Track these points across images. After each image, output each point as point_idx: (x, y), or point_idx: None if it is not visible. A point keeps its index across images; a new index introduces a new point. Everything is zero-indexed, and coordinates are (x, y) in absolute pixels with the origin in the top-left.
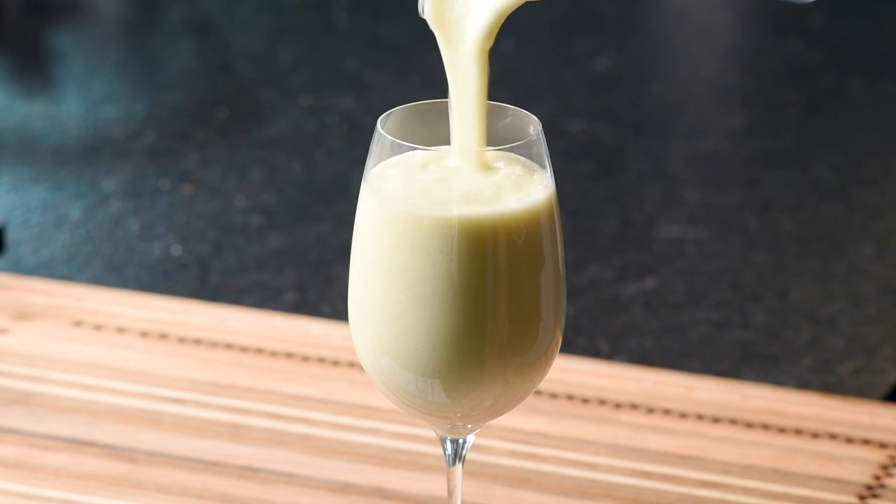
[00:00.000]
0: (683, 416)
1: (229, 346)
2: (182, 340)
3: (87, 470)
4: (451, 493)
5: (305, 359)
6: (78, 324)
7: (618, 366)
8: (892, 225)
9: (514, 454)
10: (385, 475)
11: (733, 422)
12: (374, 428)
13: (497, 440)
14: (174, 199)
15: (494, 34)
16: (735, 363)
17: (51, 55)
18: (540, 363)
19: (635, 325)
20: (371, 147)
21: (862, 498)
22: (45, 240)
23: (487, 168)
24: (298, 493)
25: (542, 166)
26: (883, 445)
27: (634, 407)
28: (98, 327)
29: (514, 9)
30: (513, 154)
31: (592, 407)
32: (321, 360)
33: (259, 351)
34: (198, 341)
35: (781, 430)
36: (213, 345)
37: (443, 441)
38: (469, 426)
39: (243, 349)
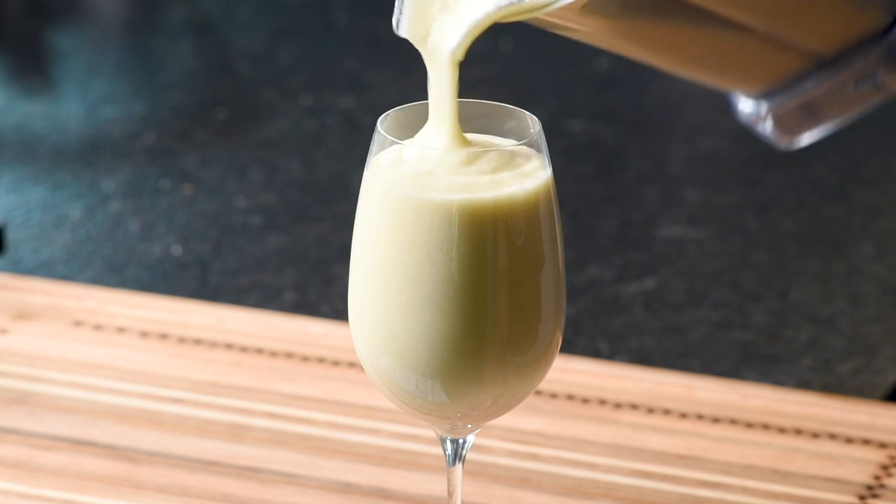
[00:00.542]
0: (683, 416)
1: (229, 346)
2: (182, 340)
3: (87, 470)
4: (451, 493)
5: (305, 359)
6: (78, 324)
7: (618, 366)
8: (892, 225)
9: (514, 454)
10: (385, 475)
11: (733, 422)
12: (374, 428)
13: (497, 440)
14: (174, 199)
15: (466, 49)
16: (735, 363)
17: (51, 55)
18: (540, 363)
19: (635, 325)
20: (371, 147)
21: (862, 498)
22: (45, 240)
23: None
24: (298, 493)
25: (542, 162)
26: (883, 445)
27: (634, 407)
28: (98, 327)
29: (483, 30)
30: (512, 147)
31: (592, 407)
32: (321, 360)
33: (259, 351)
34: (198, 341)
35: (781, 430)
36: (213, 345)
37: (443, 441)
38: (469, 426)
39: (243, 349)
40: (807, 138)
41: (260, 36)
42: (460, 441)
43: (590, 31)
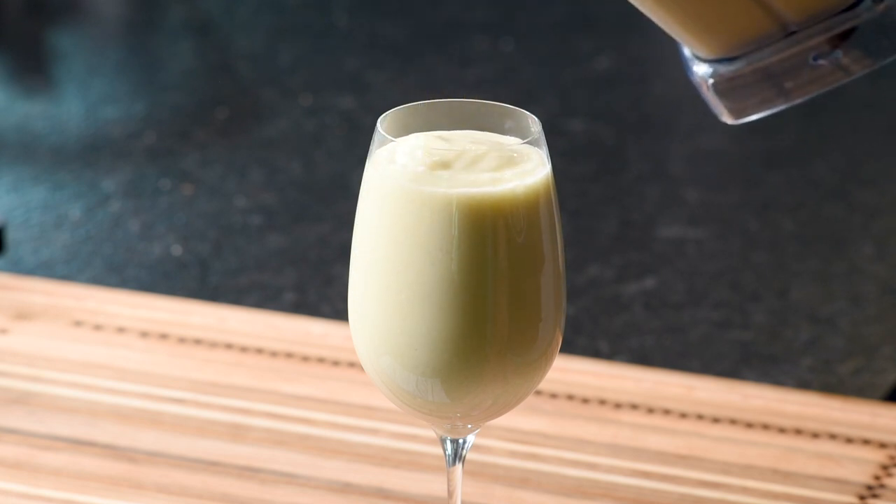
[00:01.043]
0: (683, 416)
1: (229, 346)
2: (182, 340)
3: (87, 470)
4: (451, 493)
5: (305, 359)
6: (78, 324)
7: (618, 366)
8: (892, 225)
9: (514, 454)
10: (385, 475)
11: (733, 422)
12: (374, 428)
13: (497, 440)
14: (174, 199)
15: None
16: (735, 363)
17: (51, 55)
18: (540, 363)
19: (635, 324)
20: (371, 147)
21: (862, 498)
22: (45, 240)
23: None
24: (298, 493)
25: (542, 160)
26: (883, 445)
27: (634, 407)
28: (98, 327)
29: None
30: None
31: (592, 407)
32: (321, 360)
33: (259, 351)
34: (198, 341)
35: (781, 430)
36: (213, 345)
37: (443, 441)
38: (469, 426)
39: (243, 349)
40: (752, 112)
41: (260, 36)
42: (460, 441)
43: None
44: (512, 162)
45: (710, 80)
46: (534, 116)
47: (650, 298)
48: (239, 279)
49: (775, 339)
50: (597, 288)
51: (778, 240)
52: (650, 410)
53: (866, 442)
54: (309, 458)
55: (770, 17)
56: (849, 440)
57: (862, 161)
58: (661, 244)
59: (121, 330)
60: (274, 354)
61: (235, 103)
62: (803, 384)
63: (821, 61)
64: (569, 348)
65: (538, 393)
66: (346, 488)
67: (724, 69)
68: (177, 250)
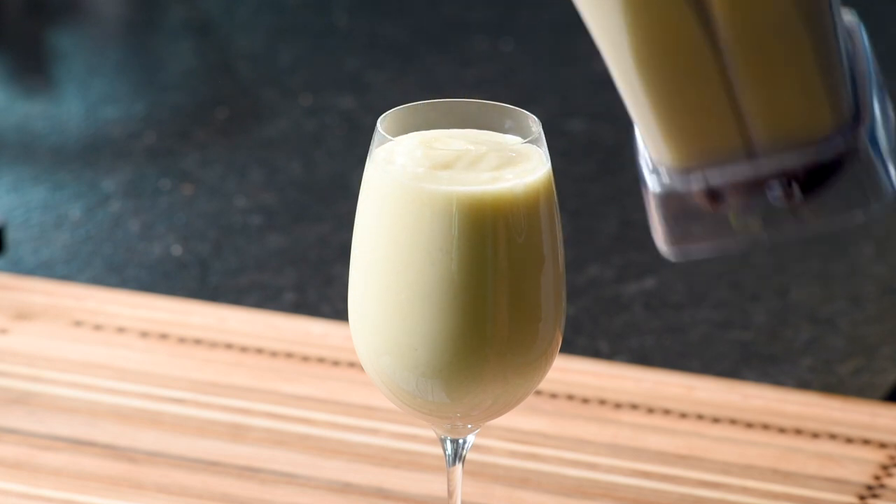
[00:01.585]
0: (683, 416)
1: (229, 346)
2: (182, 340)
3: (87, 470)
4: (451, 493)
5: (305, 359)
6: (78, 324)
7: (618, 366)
8: (892, 225)
9: (514, 454)
10: (385, 475)
11: (733, 422)
12: (374, 428)
13: (497, 440)
14: (174, 199)
15: None
16: (735, 363)
17: (51, 55)
18: (540, 363)
19: (635, 325)
20: (371, 147)
21: (862, 498)
22: (45, 240)
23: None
24: (298, 493)
25: (542, 160)
26: (883, 445)
27: (634, 407)
28: (98, 327)
29: None
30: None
31: (592, 407)
32: (321, 360)
33: (259, 351)
34: (198, 341)
35: (781, 430)
36: (213, 345)
37: (443, 441)
38: (469, 426)
39: (243, 349)
40: (692, 242)
41: (260, 36)
42: (460, 441)
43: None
44: (512, 162)
45: (659, 190)
46: (534, 116)
47: (650, 298)
48: (239, 279)
49: (775, 339)
50: (597, 288)
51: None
52: (650, 410)
53: (866, 442)
54: (309, 458)
55: (739, 133)
56: (849, 440)
57: None
58: None
59: (121, 330)
60: (274, 354)
61: (235, 103)
62: (803, 384)
63: (776, 194)
64: (569, 348)
65: (538, 393)
66: (346, 488)
67: (678, 180)
68: (177, 250)
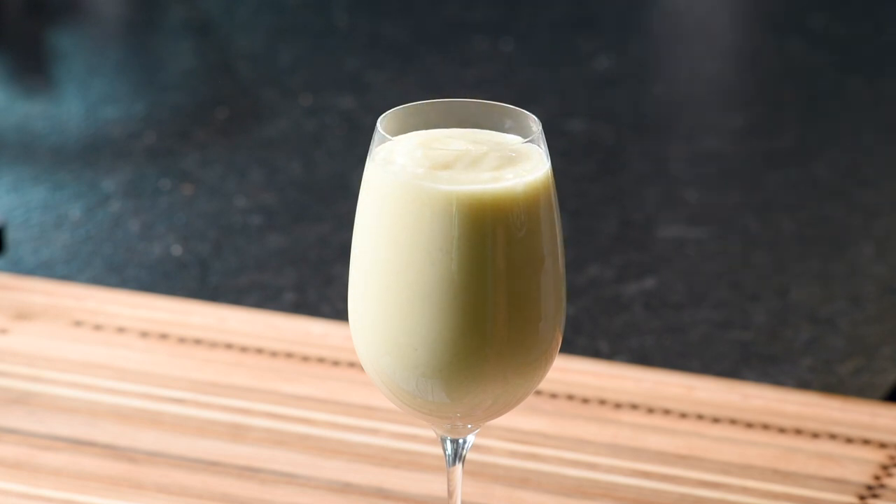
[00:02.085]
0: (683, 416)
1: (229, 346)
2: (182, 340)
3: (87, 470)
4: (451, 493)
5: (305, 359)
6: (78, 324)
7: (618, 366)
8: (892, 225)
9: (514, 454)
10: (385, 475)
11: (733, 422)
12: (374, 428)
13: (497, 440)
14: (174, 199)
15: None
16: (735, 363)
17: (51, 55)
18: (540, 363)
19: (635, 325)
20: (371, 146)
21: (862, 498)
22: (45, 240)
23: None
24: (298, 493)
25: (542, 159)
26: (883, 445)
27: (634, 407)
28: (98, 327)
29: None
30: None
31: (592, 407)
32: (321, 360)
33: (259, 351)
34: (198, 341)
35: (781, 430)
36: (213, 345)
37: (443, 441)
38: (469, 426)
39: (243, 349)
40: None
41: (260, 36)
42: (460, 441)
43: None
44: (512, 161)
45: None
46: (534, 116)
47: (650, 298)
48: (239, 279)
49: (775, 339)
50: (597, 288)
51: (778, 240)
52: (650, 410)
53: (866, 442)
54: (309, 458)
55: None
56: (849, 440)
57: (862, 161)
58: (661, 244)
59: (121, 330)
60: (274, 354)
61: (235, 103)
62: (803, 384)
63: None
64: (569, 348)
65: (538, 393)
66: (346, 488)
67: None
68: (177, 250)
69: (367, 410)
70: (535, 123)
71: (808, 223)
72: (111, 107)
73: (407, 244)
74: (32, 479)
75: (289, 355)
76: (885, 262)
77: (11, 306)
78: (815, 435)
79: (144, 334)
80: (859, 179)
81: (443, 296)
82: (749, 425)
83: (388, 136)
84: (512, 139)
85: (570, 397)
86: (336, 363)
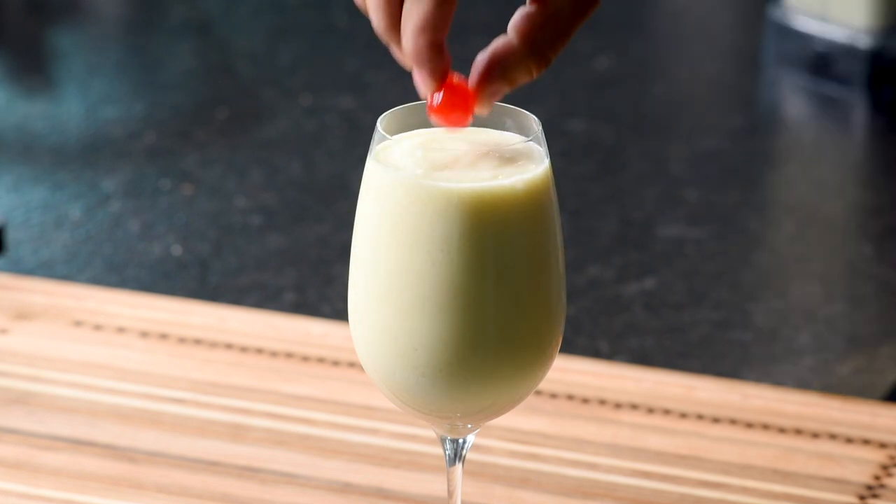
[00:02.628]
0: (683, 416)
1: (229, 346)
2: (182, 340)
3: (87, 470)
4: (451, 493)
5: (305, 359)
6: (78, 324)
7: (618, 366)
8: (891, 225)
9: (514, 454)
10: (385, 475)
11: (733, 422)
12: (374, 428)
13: (497, 440)
14: (174, 199)
15: None
16: (735, 363)
17: (51, 55)
18: (540, 363)
19: (635, 325)
20: (371, 146)
21: (862, 498)
22: (45, 240)
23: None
24: (298, 493)
25: (542, 159)
26: (883, 445)
27: (634, 407)
28: (98, 327)
29: None
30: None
31: (592, 407)
32: (321, 360)
33: (259, 351)
34: (198, 341)
35: (781, 430)
36: (213, 345)
37: (443, 441)
38: (469, 426)
39: (243, 349)
40: None
41: (260, 36)
42: (460, 441)
43: None
44: (512, 161)
45: None
46: (534, 116)
47: (650, 298)
48: (239, 279)
49: (775, 339)
50: (597, 288)
51: (778, 240)
52: (650, 410)
53: (866, 442)
54: (309, 458)
55: None
56: (849, 440)
57: (862, 161)
58: (661, 244)
59: (121, 330)
60: (274, 354)
61: (235, 103)
62: (803, 384)
63: None
64: (569, 348)
65: (538, 393)
66: (346, 488)
67: None
68: (177, 250)
69: (367, 410)
70: (535, 123)
71: (808, 223)
72: (111, 107)
73: (407, 244)
74: (32, 479)
75: (289, 355)
76: (885, 262)
77: (11, 306)
78: (815, 435)
79: (144, 334)
80: (859, 179)
81: (443, 296)
82: (749, 425)
83: (387, 135)
84: (512, 139)
85: (570, 397)
86: (336, 363)
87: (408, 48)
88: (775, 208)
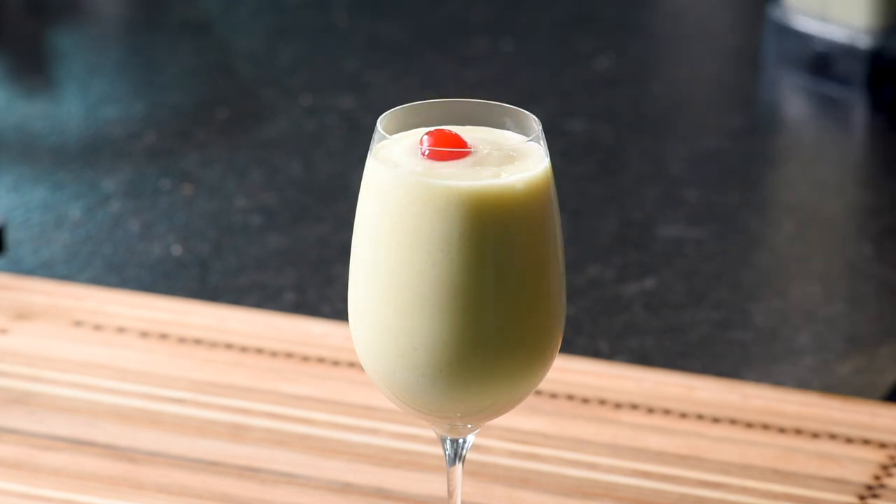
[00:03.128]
0: (683, 416)
1: (229, 346)
2: (182, 340)
3: (87, 470)
4: (451, 493)
5: (305, 359)
6: (78, 324)
7: (618, 366)
8: (892, 225)
9: (514, 454)
10: (385, 475)
11: (733, 422)
12: (374, 428)
13: (497, 440)
14: (174, 199)
15: None
16: (735, 363)
17: (51, 55)
18: (540, 363)
19: (635, 325)
20: (371, 146)
21: (862, 498)
22: (45, 240)
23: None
24: (298, 493)
25: (542, 159)
26: (883, 445)
27: (634, 407)
28: (98, 327)
29: None
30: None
31: (592, 407)
32: (321, 360)
33: (259, 351)
34: (198, 341)
35: (781, 430)
36: (213, 345)
37: (443, 441)
38: (469, 426)
39: (243, 349)
40: None
41: (260, 36)
42: (460, 441)
43: None
44: (511, 161)
45: None
46: (534, 116)
47: (650, 298)
48: (239, 279)
49: (775, 339)
50: (597, 288)
51: (778, 240)
52: (650, 410)
53: (866, 442)
54: (309, 458)
55: None
56: (849, 440)
57: (862, 161)
58: (661, 244)
59: (121, 330)
60: (274, 354)
61: (235, 103)
62: (803, 384)
63: None
64: (569, 348)
65: (538, 393)
66: (346, 488)
67: None
68: (177, 250)
69: (367, 410)
70: (535, 123)
71: (808, 223)
72: (111, 107)
73: (407, 244)
74: (32, 479)
75: (289, 355)
76: (885, 262)
77: (11, 306)
78: (815, 435)
79: (144, 334)
80: (859, 179)
81: (443, 296)
82: (749, 425)
83: (387, 135)
84: (512, 138)
85: (570, 397)
86: (336, 363)
87: None
88: (775, 208)
